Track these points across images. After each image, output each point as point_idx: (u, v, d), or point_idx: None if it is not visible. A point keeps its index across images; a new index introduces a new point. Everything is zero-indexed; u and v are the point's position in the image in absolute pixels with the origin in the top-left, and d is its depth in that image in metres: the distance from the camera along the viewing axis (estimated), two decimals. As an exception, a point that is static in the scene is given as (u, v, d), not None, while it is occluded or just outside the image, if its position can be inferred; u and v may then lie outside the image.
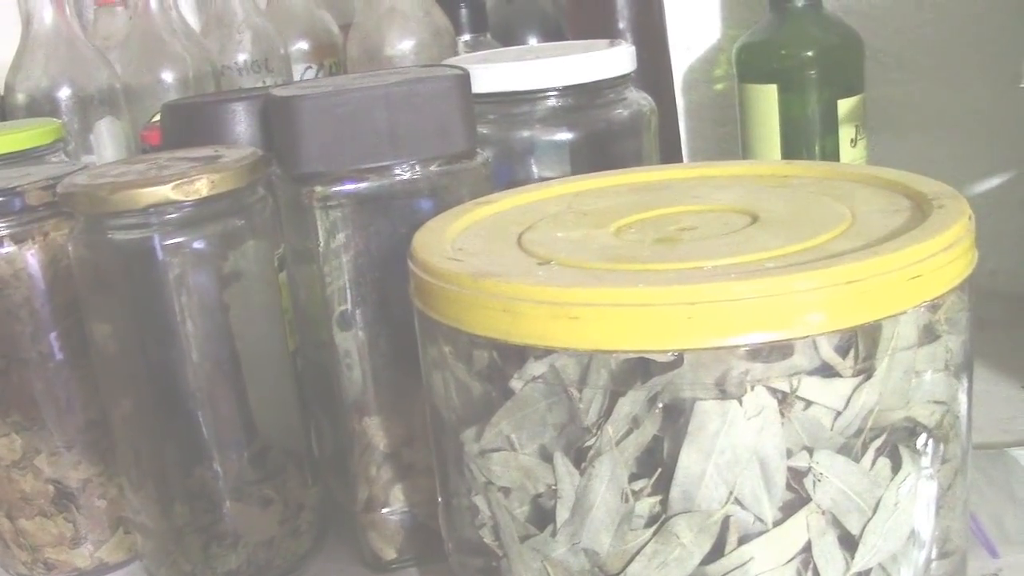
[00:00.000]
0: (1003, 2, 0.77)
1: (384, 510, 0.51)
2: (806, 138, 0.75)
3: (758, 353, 0.32)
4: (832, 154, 0.75)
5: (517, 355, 0.35)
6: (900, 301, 0.33)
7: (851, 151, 0.75)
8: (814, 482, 0.33)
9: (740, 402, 0.32)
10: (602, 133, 0.61)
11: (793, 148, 0.74)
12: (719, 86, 0.88)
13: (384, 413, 0.50)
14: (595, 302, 0.32)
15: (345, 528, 0.54)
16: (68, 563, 0.55)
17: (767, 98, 0.75)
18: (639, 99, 0.62)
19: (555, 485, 0.35)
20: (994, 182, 0.80)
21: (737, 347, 0.32)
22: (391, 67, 0.73)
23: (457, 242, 0.40)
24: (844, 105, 0.74)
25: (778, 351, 0.32)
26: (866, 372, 0.33)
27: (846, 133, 0.74)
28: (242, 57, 0.78)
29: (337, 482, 0.55)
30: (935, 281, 0.33)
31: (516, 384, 0.35)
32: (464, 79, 0.48)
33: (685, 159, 0.86)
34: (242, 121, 0.54)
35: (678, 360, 0.32)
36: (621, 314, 0.32)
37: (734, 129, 0.82)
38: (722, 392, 0.32)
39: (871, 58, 0.77)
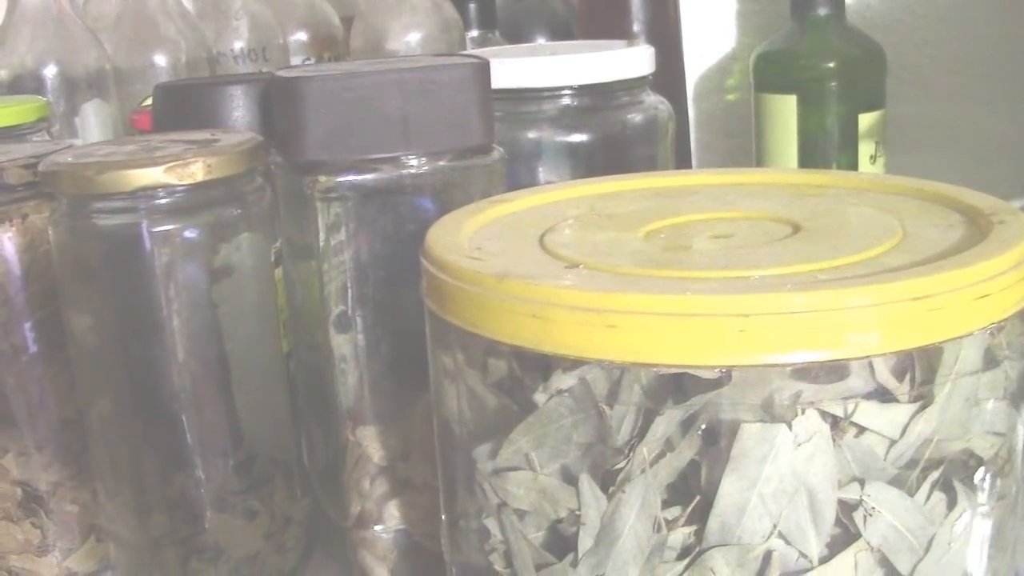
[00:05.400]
0: (1030, 20, 0.75)
1: (377, 527, 0.48)
2: (824, 152, 0.72)
3: (809, 373, 0.29)
4: (851, 170, 0.72)
5: (541, 365, 0.32)
6: (967, 322, 0.30)
7: (870, 168, 0.72)
8: (864, 517, 0.30)
9: (789, 426, 0.29)
10: (615, 137, 0.58)
11: (811, 162, 0.72)
12: (732, 96, 0.86)
13: (380, 423, 0.47)
14: (636, 310, 0.29)
15: (335, 545, 0.51)
16: (34, 572, 0.52)
17: (785, 109, 0.72)
18: (656, 103, 0.59)
19: (578, 510, 0.32)
20: (1013, 205, 0.77)
21: (788, 365, 0.29)
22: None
23: (474, 240, 0.37)
24: (865, 120, 0.72)
25: (832, 371, 0.29)
26: (924, 398, 0.31)
27: (866, 149, 0.72)
28: (238, 44, 0.76)
29: (327, 495, 0.52)
30: (1003, 302, 0.31)
31: (540, 398, 0.32)
32: (483, 68, 0.45)
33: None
34: (240, 106, 0.52)
35: (725, 378, 0.29)
36: (665, 324, 0.29)
37: (745, 141, 0.80)
38: (769, 414, 0.29)
39: (891, 74, 0.75)
